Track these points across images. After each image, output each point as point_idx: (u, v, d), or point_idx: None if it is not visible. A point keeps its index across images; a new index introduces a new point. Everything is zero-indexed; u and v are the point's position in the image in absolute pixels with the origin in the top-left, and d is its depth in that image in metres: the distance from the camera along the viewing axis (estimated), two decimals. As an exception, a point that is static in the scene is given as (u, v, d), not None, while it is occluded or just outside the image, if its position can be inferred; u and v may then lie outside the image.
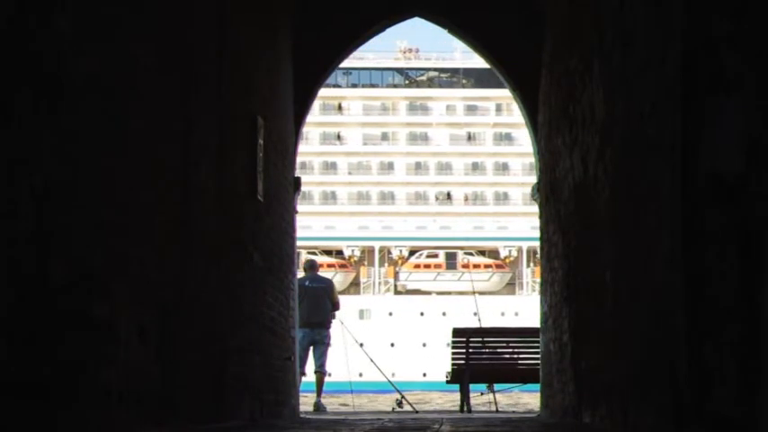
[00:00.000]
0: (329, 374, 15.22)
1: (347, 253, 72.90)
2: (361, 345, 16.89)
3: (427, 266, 72.38)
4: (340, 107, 76.17)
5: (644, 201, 6.65)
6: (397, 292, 72.14)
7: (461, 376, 15.02)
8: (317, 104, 74.96)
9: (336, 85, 75.33)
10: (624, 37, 7.30)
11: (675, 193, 5.76)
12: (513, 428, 8.61)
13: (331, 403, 18.19)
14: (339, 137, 76.05)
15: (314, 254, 70.81)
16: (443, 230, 72.72)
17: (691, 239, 5.57)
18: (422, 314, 65.43)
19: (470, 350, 15.20)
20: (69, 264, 5.19)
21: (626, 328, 7.31)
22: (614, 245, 7.75)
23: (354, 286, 72.45)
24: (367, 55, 75.11)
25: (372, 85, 76.85)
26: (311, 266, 15.54)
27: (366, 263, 73.69)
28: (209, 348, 8.06)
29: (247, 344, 9.60)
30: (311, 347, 14.91)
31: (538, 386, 12.73)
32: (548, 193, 11.62)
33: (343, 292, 70.89)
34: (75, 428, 5.20)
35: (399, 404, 16.41)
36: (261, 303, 10.40)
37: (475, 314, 18.09)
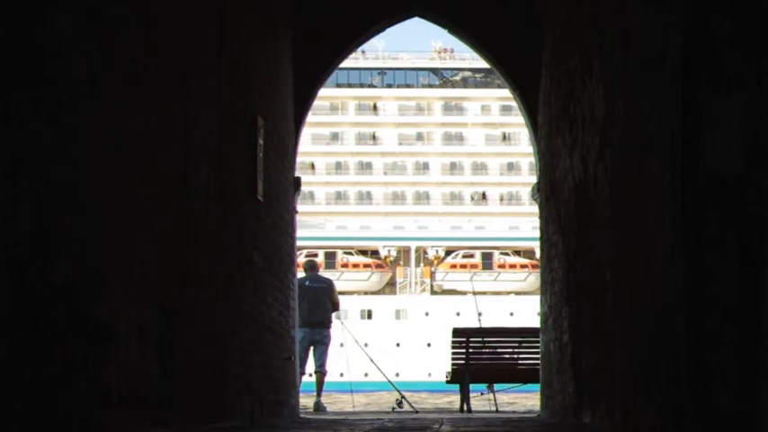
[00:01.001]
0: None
1: (383, 253, 72.86)
2: (366, 344, 16.89)
3: (463, 266, 72.33)
4: (375, 107, 76.29)
5: (644, 201, 6.64)
6: (433, 293, 72.11)
7: (461, 376, 15.02)
8: (351, 105, 75.61)
9: (371, 86, 75.61)
10: (624, 37, 7.30)
11: (675, 194, 5.76)
12: (513, 428, 8.61)
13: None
14: (374, 137, 76.21)
15: (350, 254, 71.02)
16: (478, 230, 72.67)
17: (691, 239, 5.57)
18: (458, 314, 65.37)
19: (470, 350, 15.20)
20: (69, 264, 5.19)
21: (626, 328, 7.31)
22: (614, 245, 7.75)
23: (390, 286, 72.44)
24: (402, 55, 75.50)
25: (407, 86, 77.00)
26: (311, 266, 15.54)
27: (402, 263, 73.66)
28: (209, 348, 8.06)
29: (247, 344, 9.60)
30: (311, 347, 14.92)
31: (538, 386, 12.73)
32: (548, 193, 11.62)
33: (378, 292, 71.21)
34: (75, 428, 5.20)
35: (399, 404, 16.41)
36: (261, 303, 10.40)
37: (479, 314, 18.09)
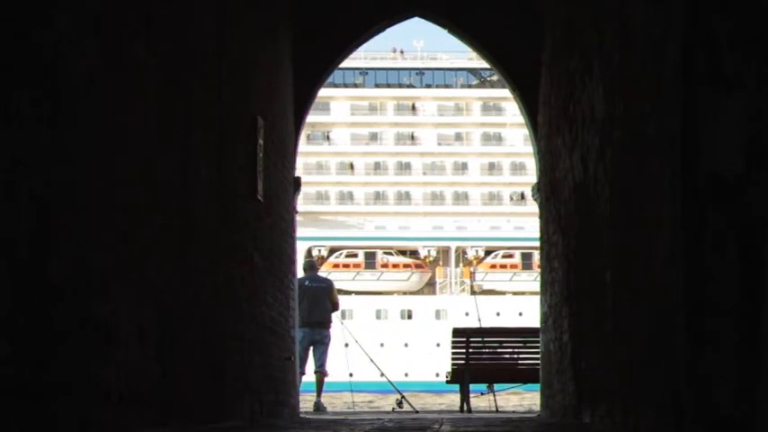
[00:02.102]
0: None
1: (423, 253, 72.79)
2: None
3: (503, 267, 72.27)
4: (414, 107, 76.44)
5: (644, 201, 6.65)
6: (472, 293, 72.14)
7: (461, 376, 15.02)
8: (390, 105, 75.86)
9: (410, 86, 75.77)
10: (624, 37, 7.30)
11: (675, 193, 5.76)
12: (513, 428, 8.61)
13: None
14: (413, 137, 76.32)
15: (390, 254, 70.99)
16: (518, 231, 72.66)
17: (691, 239, 5.57)
18: (498, 314, 65.35)
19: (470, 350, 15.20)
20: (69, 264, 5.19)
21: (626, 328, 7.31)
22: (614, 245, 7.75)
23: (429, 286, 72.43)
24: (440, 55, 75.61)
25: (446, 86, 77.11)
26: (311, 266, 15.54)
27: (441, 263, 73.69)
28: (209, 348, 8.06)
29: (247, 344, 9.60)
30: (311, 347, 14.92)
31: (538, 386, 12.73)
32: (548, 193, 11.62)
33: (418, 293, 71.25)
34: (75, 429, 5.20)
35: (399, 404, 16.40)
36: (261, 303, 10.40)
37: (479, 315, 18.09)
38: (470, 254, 73.13)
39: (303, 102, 13.13)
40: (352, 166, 75.57)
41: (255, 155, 9.99)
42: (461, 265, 73.37)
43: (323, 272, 67.39)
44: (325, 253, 69.25)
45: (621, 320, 7.48)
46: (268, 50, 11.21)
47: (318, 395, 15.18)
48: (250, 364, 9.67)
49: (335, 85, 76.19)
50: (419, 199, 75.36)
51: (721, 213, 5.48)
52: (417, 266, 72.42)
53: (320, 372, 14.95)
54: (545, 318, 11.88)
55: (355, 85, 76.34)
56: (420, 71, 75.83)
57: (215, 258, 8.38)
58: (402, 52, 74.75)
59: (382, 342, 60.72)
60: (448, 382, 15.32)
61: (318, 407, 15.04)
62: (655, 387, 6.32)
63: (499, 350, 15.58)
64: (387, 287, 66.59)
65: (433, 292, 71.24)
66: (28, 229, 4.75)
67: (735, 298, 5.41)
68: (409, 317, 66.88)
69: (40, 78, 4.91)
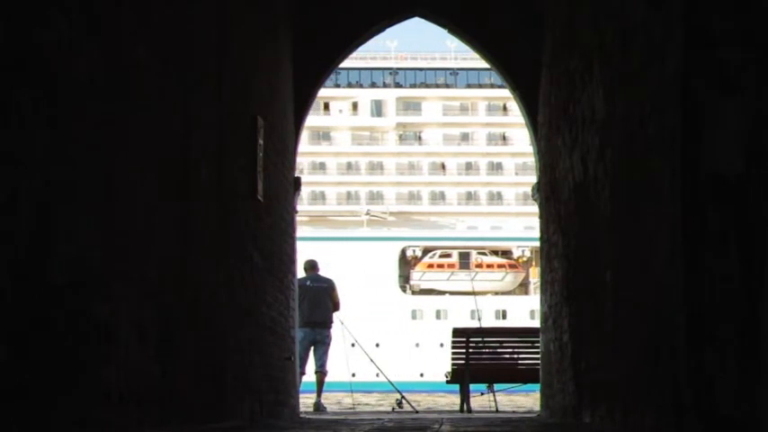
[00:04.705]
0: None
1: (516, 253, 72.65)
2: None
3: None
4: (505, 108, 76.55)
5: (644, 200, 6.65)
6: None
7: (461, 376, 15.02)
8: (482, 105, 75.98)
9: (501, 86, 75.95)
10: (624, 37, 7.30)
11: (675, 193, 5.76)
12: (513, 428, 8.60)
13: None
14: (504, 137, 76.36)
15: (484, 254, 70.89)
16: None
17: (691, 239, 5.58)
18: None
19: (470, 350, 15.20)
20: (69, 264, 5.19)
21: (626, 328, 7.31)
22: (614, 245, 7.75)
23: (521, 287, 72.33)
24: None
25: None
26: (311, 266, 15.53)
27: (534, 263, 73.65)
28: (209, 348, 8.06)
29: (247, 344, 9.60)
30: (312, 347, 14.92)
31: (538, 386, 12.73)
32: (548, 193, 11.62)
33: (511, 293, 71.14)
34: (75, 429, 5.20)
35: (399, 404, 16.40)
36: (261, 303, 10.40)
37: (479, 314, 18.09)
38: None
39: (303, 102, 13.13)
40: (443, 166, 75.65)
41: (255, 155, 9.99)
42: (554, 265, 73.44)
43: (417, 271, 67.65)
44: (419, 253, 69.12)
45: (621, 320, 7.48)
46: (268, 50, 11.21)
47: (318, 395, 15.18)
48: (250, 364, 9.67)
49: (427, 86, 76.41)
50: (511, 199, 75.46)
51: (721, 213, 5.48)
52: (511, 266, 72.23)
53: (320, 372, 14.95)
54: (545, 318, 11.88)
55: (447, 86, 76.34)
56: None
57: (215, 258, 8.37)
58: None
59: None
60: (448, 382, 15.32)
61: (318, 407, 15.04)
62: (655, 387, 6.32)
63: (499, 350, 15.59)
64: (481, 287, 66.23)
65: (526, 293, 71.10)
66: (28, 229, 4.75)
67: (735, 298, 5.41)
68: (504, 317, 66.76)
69: (40, 78, 4.90)
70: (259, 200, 10.14)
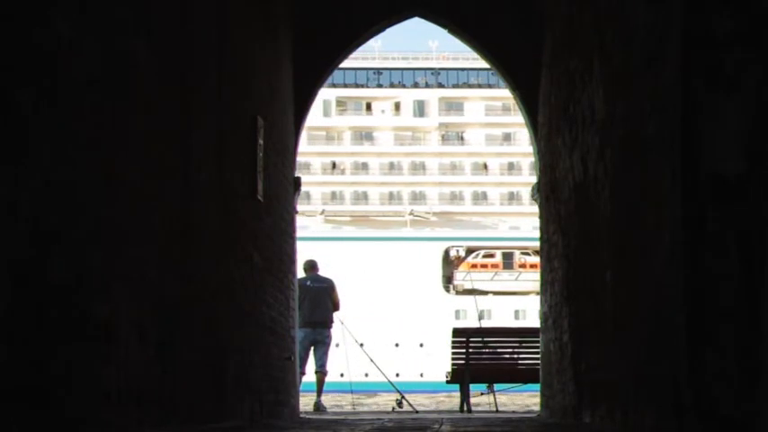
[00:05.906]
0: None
1: None
2: (361, 345, 16.91)
3: None
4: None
5: (644, 200, 6.65)
6: None
7: (461, 376, 15.02)
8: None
9: None
10: (624, 37, 7.30)
11: (675, 193, 5.76)
12: (513, 428, 8.60)
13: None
14: None
15: (527, 254, 70.79)
16: None
17: (691, 239, 5.58)
18: None
19: (470, 350, 15.20)
20: (69, 264, 5.19)
21: (626, 328, 7.31)
22: (614, 245, 7.75)
23: None
24: None
25: None
26: (311, 266, 15.53)
27: None
28: (209, 348, 8.06)
29: (247, 344, 9.60)
30: (312, 347, 14.92)
31: (538, 386, 12.73)
32: (548, 193, 11.62)
33: None
34: (75, 429, 5.20)
35: (399, 404, 16.40)
36: (261, 303, 10.40)
37: (480, 314, 18.09)
38: None
39: (303, 102, 13.13)
40: (486, 166, 75.54)
41: (255, 155, 9.99)
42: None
43: (461, 271, 67.39)
44: (462, 253, 68.89)
45: (621, 320, 7.48)
46: (268, 50, 11.21)
47: (319, 395, 15.18)
48: (250, 364, 9.67)
49: (469, 86, 76.25)
50: (555, 199, 75.57)
51: (721, 213, 5.48)
52: None
53: (321, 372, 14.95)
54: (545, 318, 11.88)
55: (489, 86, 76.25)
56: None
57: (215, 258, 8.37)
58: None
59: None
60: (448, 382, 15.33)
61: (318, 407, 15.04)
62: (655, 387, 6.32)
63: (499, 350, 15.59)
64: (524, 287, 65.88)
65: None
66: (28, 229, 4.75)
67: (735, 298, 5.41)
68: None
69: (40, 78, 4.90)
70: (259, 200, 10.14)
